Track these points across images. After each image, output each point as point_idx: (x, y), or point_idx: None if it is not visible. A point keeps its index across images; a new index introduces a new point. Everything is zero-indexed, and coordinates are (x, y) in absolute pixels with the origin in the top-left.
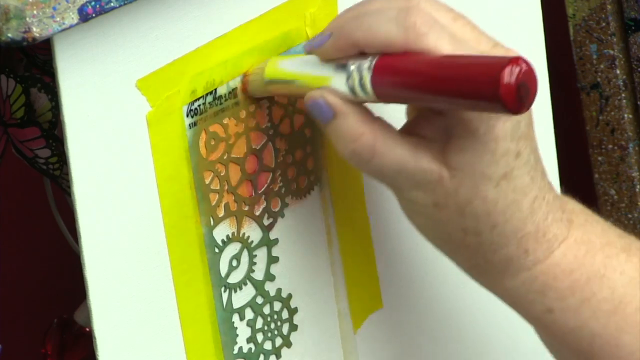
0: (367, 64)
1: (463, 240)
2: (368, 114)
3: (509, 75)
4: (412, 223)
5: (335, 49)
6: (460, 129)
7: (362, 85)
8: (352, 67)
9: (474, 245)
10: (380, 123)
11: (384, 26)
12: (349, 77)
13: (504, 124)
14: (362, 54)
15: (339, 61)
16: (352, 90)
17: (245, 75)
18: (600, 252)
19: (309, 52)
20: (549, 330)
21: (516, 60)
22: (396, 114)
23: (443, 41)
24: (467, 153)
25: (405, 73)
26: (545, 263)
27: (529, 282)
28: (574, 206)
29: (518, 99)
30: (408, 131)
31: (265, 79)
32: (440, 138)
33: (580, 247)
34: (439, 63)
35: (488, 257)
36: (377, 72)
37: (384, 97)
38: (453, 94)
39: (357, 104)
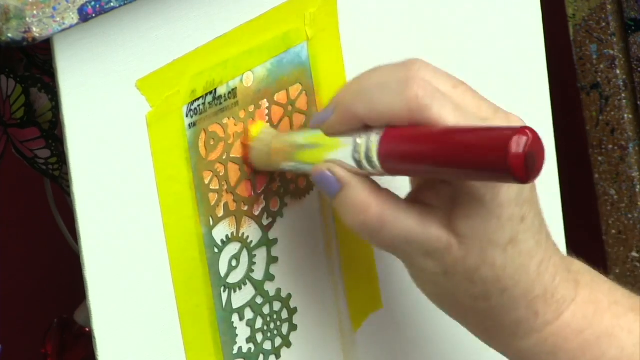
0: (373, 137)
1: (473, 306)
2: (375, 185)
3: (517, 146)
4: (422, 291)
5: (339, 124)
6: (465, 196)
7: (368, 158)
8: (358, 141)
9: (484, 310)
10: (387, 193)
11: (386, 100)
12: (354, 151)
13: (508, 190)
14: (367, 127)
15: (343, 135)
16: (358, 163)
17: (245, 143)
18: (608, 312)
19: (314, 127)
20: None
21: (523, 130)
22: (400, 182)
23: (446, 111)
24: (473, 220)
25: (412, 147)
26: (555, 324)
27: (540, 344)
28: (579, 267)
29: (526, 169)
30: (414, 200)
31: (272, 149)
32: (446, 206)
33: (588, 307)
34: (446, 136)
35: (498, 321)
36: (384, 147)
37: (391, 170)
38: (461, 165)
39: (364, 176)
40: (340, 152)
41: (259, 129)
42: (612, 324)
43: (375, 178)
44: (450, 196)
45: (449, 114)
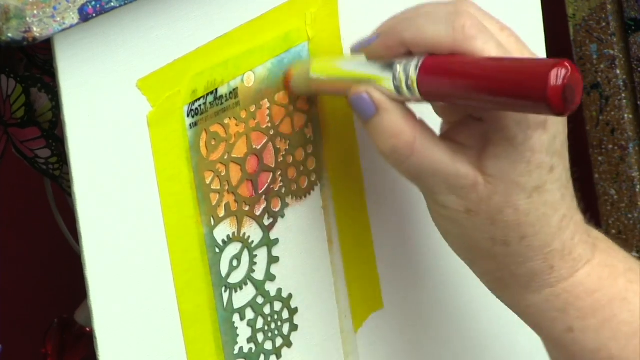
0: (414, 63)
1: (490, 250)
2: (410, 113)
3: (556, 77)
4: (439, 229)
5: (384, 48)
6: (497, 136)
7: (408, 84)
8: (399, 67)
9: (500, 255)
10: (422, 124)
11: (432, 27)
12: (395, 76)
13: (540, 137)
14: (409, 55)
15: (385, 61)
16: (397, 89)
17: (288, 70)
18: (622, 277)
19: (356, 52)
20: (568, 350)
21: (562, 62)
22: (435, 120)
23: (490, 45)
24: (502, 160)
25: (452, 73)
26: (569, 281)
27: (551, 299)
28: (597, 234)
29: (564, 100)
30: (446, 137)
31: (311, 74)
32: (477, 145)
33: (603, 270)
34: (487, 64)
35: (513, 270)
36: (424, 72)
37: (429, 95)
38: (500, 93)
39: (401, 103)
40: (379, 77)
41: (299, 65)
42: (625, 288)
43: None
44: (482, 135)
45: (492, 49)
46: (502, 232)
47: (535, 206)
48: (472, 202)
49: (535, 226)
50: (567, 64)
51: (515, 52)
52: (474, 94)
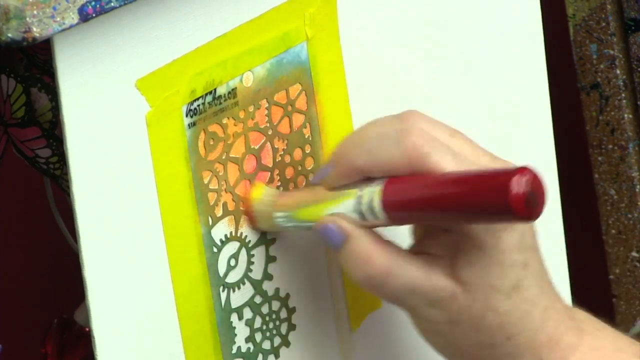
0: (376, 189)
1: (479, 355)
2: (378, 237)
3: (517, 185)
4: (427, 341)
5: (340, 177)
6: (467, 243)
7: (371, 209)
8: (360, 193)
9: (489, 358)
10: (391, 245)
11: (385, 151)
12: (357, 202)
13: (509, 236)
14: (366, 179)
15: (343, 189)
16: (361, 215)
17: (247, 207)
18: (612, 358)
19: (316, 183)
20: None
21: (522, 170)
22: (402, 235)
23: (445, 158)
24: (476, 267)
25: (414, 194)
26: None
27: None
28: (582, 315)
29: (528, 207)
30: (417, 251)
31: (275, 213)
32: (448, 254)
33: (593, 354)
34: (447, 181)
35: None
36: (386, 196)
37: (395, 219)
38: (464, 209)
39: (367, 228)
40: (342, 206)
41: (260, 191)
42: None
43: (379, 230)
44: (452, 244)
45: (448, 162)
46: (488, 336)
47: (515, 305)
48: (453, 312)
49: (518, 325)
50: (527, 171)
51: (471, 157)
52: (439, 213)
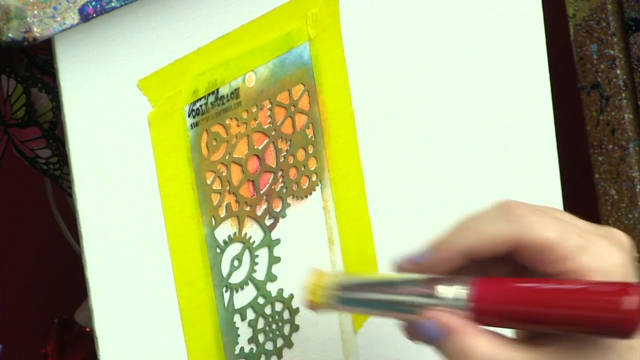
0: (463, 291)
1: None
2: (481, 329)
3: (630, 303)
4: None
5: (443, 261)
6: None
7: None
8: (443, 291)
9: None
10: (495, 335)
11: (491, 226)
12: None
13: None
14: (451, 279)
15: (428, 285)
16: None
17: (310, 297)
18: None
19: (405, 268)
20: None
21: (632, 287)
22: None
23: (550, 225)
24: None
25: (510, 303)
26: None
27: None
28: None
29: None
30: (525, 337)
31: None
32: (559, 343)
33: None
34: (550, 293)
35: None
36: (479, 298)
37: (485, 323)
38: (567, 324)
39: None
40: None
41: (319, 280)
42: None
43: None
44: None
45: (550, 228)
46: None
47: None
48: None
49: None
50: (636, 288)
51: (572, 221)
52: (537, 325)
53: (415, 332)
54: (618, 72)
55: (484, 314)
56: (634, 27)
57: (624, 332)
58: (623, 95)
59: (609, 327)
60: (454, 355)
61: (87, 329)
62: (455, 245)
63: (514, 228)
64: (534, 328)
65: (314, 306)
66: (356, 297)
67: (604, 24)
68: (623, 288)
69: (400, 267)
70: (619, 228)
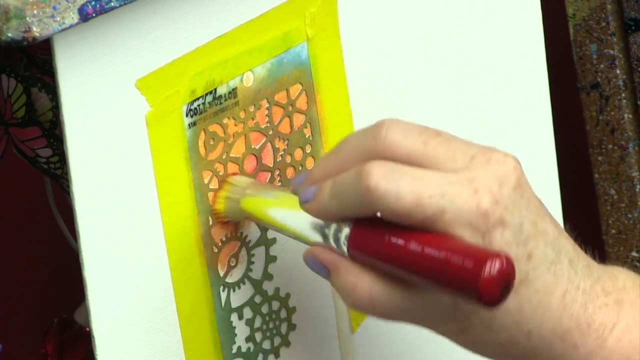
0: (343, 234)
1: (506, 353)
2: (361, 266)
3: (490, 270)
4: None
5: (317, 214)
6: None
7: (337, 239)
8: (328, 233)
9: (518, 354)
10: (374, 271)
11: (350, 198)
12: (323, 226)
13: (503, 235)
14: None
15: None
16: (324, 236)
17: (218, 190)
18: None
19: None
20: None
21: (496, 255)
22: None
23: (404, 188)
24: None
25: (381, 248)
26: (599, 354)
27: None
28: (623, 282)
29: (499, 296)
30: None
31: (242, 207)
32: None
33: (634, 331)
34: (414, 255)
35: None
36: (353, 246)
37: (357, 260)
38: (431, 279)
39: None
40: (304, 217)
41: (233, 180)
42: None
43: None
44: None
45: (406, 194)
46: (506, 335)
47: (526, 299)
48: (460, 321)
49: (535, 317)
50: (500, 257)
51: (446, 162)
52: (405, 274)
53: (312, 267)
54: (618, 72)
55: (358, 256)
56: (633, 27)
57: (483, 302)
58: (623, 95)
59: (468, 296)
60: (339, 290)
61: (87, 329)
62: (327, 210)
63: (368, 204)
64: (403, 276)
65: (218, 214)
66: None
67: (604, 24)
68: (483, 257)
69: (294, 188)
70: (618, 228)
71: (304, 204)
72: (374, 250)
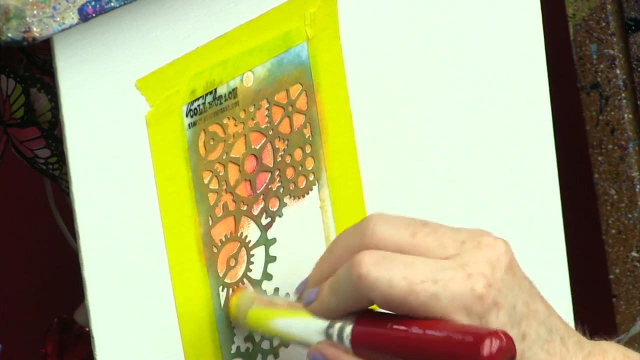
0: (346, 330)
1: None
2: None
3: (490, 349)
4: None
5: (320, 313)
6: None
7: (340, 338)
8: (332, 332)
9: None
10: None
11: (347, 291)
12: (329, 325)
13: (497, 317)
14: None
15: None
16: (329, 337)
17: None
18: None
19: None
20: None
21: (495, 334)
22: None
23: (395, 277)
24: None
25: (382, 341)
26: None
27: None
28: (613, 356)
29: None
30: None
31: (249, 324)
32: None
33: None
34: (416, 340)
35: None
36: (356, 343)
37: (361, 355)
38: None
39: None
40: (312, 323)
41: (241, 293)
42: None
43: None
44: None
45: (398, 281)
46: None
47: None
48: None
49: None
50: (498, 335)
51: (436, 251)
52: None
53: None
54: (618, 72)
55: (363, 350)
56: (633, 27)
57: None
58: (623, 95)
59: None
60: None
61: (87, 329)
62: (329, 307)
63: (363, 297)
64: None
65: (235, 320)
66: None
67: (604, 24)
68: (481, 335)
69: (297, 292)
70: (618, 228)
71: (307, 306)
72: (377, 342)
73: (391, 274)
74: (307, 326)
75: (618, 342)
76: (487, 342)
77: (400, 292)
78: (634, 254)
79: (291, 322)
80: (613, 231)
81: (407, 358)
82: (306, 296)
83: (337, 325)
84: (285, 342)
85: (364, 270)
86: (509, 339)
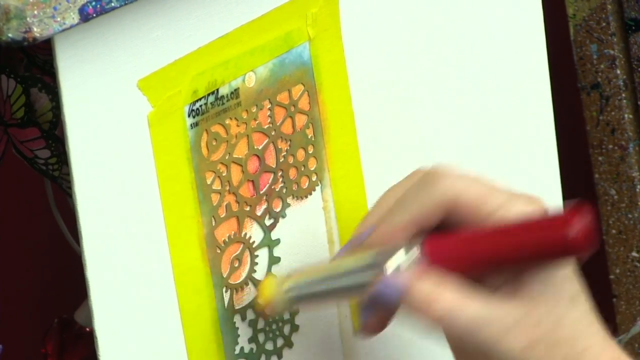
0: (409, 256)
1: None
2: (436, 278)
3: (578, 226)
4: None
5: (385, 239)
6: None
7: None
8: (385, 265)
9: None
10: (454, 284)
11: (426, 193)
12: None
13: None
14: (394, 248)
15: (364, 264)
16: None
17: (260, 299)
18: None
19: (348, 250)
20: None
21: (577, 210)
22: None
23: (476, 183)
24: (538, 284)
25: (466, 252)
26: None
27: None
28: None
29: (588, 243)
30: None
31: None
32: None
33: None
34: (498, 235)
35: None
36: (432, 256)
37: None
38: (521, 259)
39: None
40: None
41: (270, 284)
42: None
43: None
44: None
45: (477, 185)
46: (569, 347)
47: (580, 314)
48: (529, 334)
49: (588, 334)
50: (580, 209)
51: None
52: (494, 266)
53: (376, 307)
54: (618, 72)
55: (436, 267)
56: (634, 27)
57: (576, 251)
58: (623, 95)
59: (560, 249)
60: (417, 307)
61: (87, 329)
62: (398, 221)
63: (448, 191)
64: (488, 269)
65: (270, 310)
66: (310, 292)
67: (604, 24)
68: (568, 213)
69: (350, 247)
70: (619, 228)
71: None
72: (457, 251)
73: (467, 176)
74: (358, 263)
75: (618, 342)
76: (576, 219)
77: (483, 189)
78: (634, 254)
79: (339, 265)
80: (613, 231)
81: (491, 261)
82: (358, 237)
83: (398, 252)
84: (331, 298)
85: (440, 170)
86: (589, 212)
